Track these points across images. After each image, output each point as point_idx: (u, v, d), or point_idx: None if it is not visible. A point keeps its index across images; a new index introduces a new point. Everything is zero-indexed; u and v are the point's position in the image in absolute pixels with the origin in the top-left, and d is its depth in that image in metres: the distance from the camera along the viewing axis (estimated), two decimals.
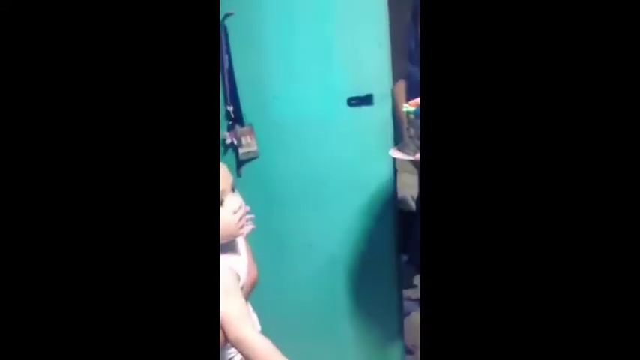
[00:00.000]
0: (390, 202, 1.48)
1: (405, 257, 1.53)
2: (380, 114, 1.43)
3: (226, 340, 0.74)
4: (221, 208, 0.76)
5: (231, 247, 0.81)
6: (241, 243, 0.85)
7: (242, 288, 0.80)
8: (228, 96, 1.51)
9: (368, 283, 1.52)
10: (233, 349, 0.80)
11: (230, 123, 1.51)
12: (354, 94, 1.44)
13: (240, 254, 0.83)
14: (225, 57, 1.49)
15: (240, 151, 1.52)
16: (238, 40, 1.47)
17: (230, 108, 1.51)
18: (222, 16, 1.45)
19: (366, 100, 1.44)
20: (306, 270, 1.54)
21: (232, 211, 0.77)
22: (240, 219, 0.78)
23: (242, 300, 0.77)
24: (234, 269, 0.79)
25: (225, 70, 1.50)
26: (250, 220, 0.84)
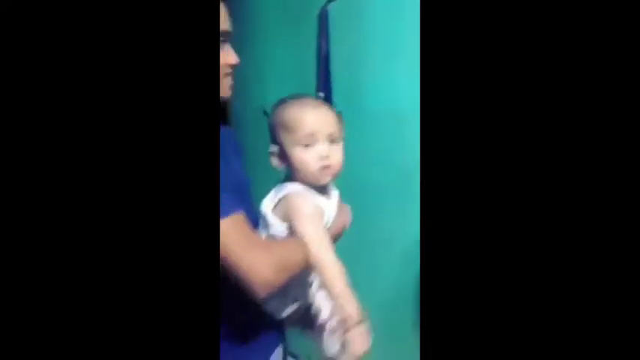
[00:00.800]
0: None
1: None
2: None
3: (307, 263, 0.77)
4: (307, 149, 0.80)
5: (322, 190, 0.85)
6: (334, 192, 0.88)
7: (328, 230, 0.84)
8: (321, 82, 1.50)
9: None
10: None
11: None
12: None
13: (330, 199, 0.86)
14: (323, 42, 1.49)
15: None
16: (338, 26, 1.46)
17: (321, 95, 1.50)
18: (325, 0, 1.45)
19: None
20: (381, 266, 1.49)
21: (319, 155, 0.80)
22: (324, 167, 0.80)
23: (323, 228, 0.81)
24: (320, 207, 0.83)
25: (322, 56, 1.50)
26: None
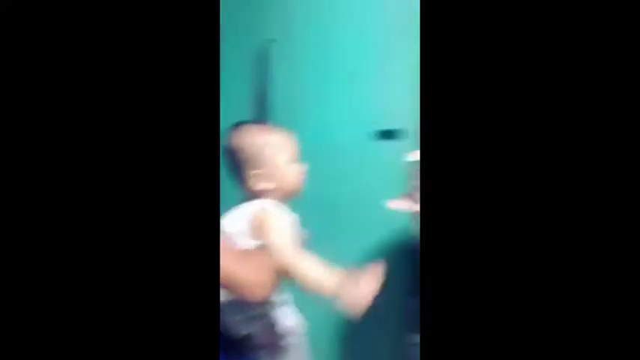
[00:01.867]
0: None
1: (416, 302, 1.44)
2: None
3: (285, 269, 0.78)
4: (295, 165, 0.86)
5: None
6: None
7: None
8: (257, 114, 1.53)
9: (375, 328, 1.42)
10: None
11: None
12: (383, 127, 1.41)
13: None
14: (266, 79, 1.53)
15: None
16: (282, 62, 1.51)
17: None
18: (268, 41, 1.51)
19: (394, 134, 1.41)
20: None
21: (300, 170, 0.87)
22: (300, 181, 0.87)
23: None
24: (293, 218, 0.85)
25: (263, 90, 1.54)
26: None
